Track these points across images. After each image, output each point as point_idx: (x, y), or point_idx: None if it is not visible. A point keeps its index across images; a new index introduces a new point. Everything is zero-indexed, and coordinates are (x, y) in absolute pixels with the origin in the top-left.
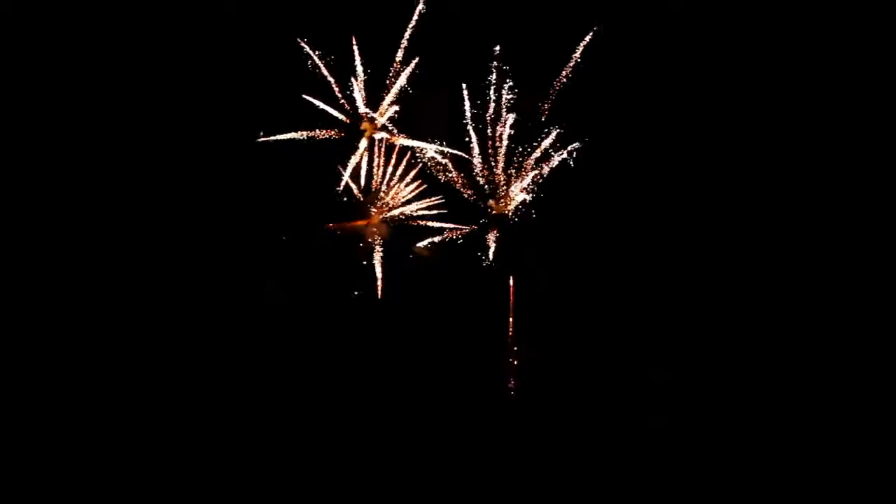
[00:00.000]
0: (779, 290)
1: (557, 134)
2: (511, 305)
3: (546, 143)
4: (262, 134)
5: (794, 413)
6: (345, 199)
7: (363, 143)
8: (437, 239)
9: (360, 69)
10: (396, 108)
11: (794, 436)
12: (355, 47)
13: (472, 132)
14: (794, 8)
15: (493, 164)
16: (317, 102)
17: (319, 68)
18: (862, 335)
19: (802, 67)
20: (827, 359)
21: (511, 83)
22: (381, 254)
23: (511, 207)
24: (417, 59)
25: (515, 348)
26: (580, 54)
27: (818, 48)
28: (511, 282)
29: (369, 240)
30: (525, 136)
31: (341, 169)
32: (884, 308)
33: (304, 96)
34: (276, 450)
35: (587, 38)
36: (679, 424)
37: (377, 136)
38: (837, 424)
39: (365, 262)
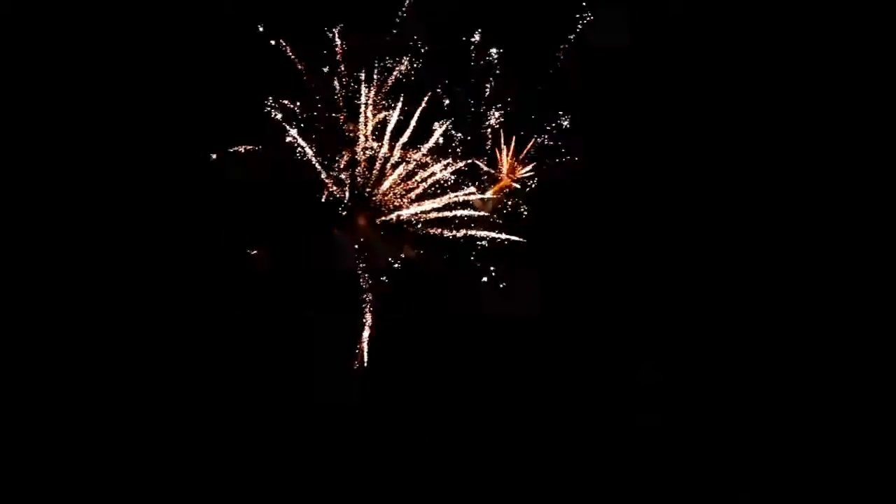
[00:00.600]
0: (771, 290)
1: (550, 134)
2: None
3: (538, 143)
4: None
5: (786, 414)
6: (333, 204)
7: (355, 148)
8: (424, 244)
9: (343, 69)
10: (385, 114)
11: (787, 437)
12: (338, 44)
13: (457, 133)
14: (794, 8)
15: (482, 165)
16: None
17: (302, 73)
18: (855, 335)
19: (803, 69)
20: (820, 359)
21: (498, 79)
22: (369, 258)
23: (498, 206)
24: (407, 59)
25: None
26: (578, 52)
27: (819, 49)
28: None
29: (360, 243)
30: (519, 136)
31: (326, 174)
32: (879, 310)
33: (287, 102)
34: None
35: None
36: (669, 425)
37: (365, 145)
38: (830, 424)
39: (357, 267)
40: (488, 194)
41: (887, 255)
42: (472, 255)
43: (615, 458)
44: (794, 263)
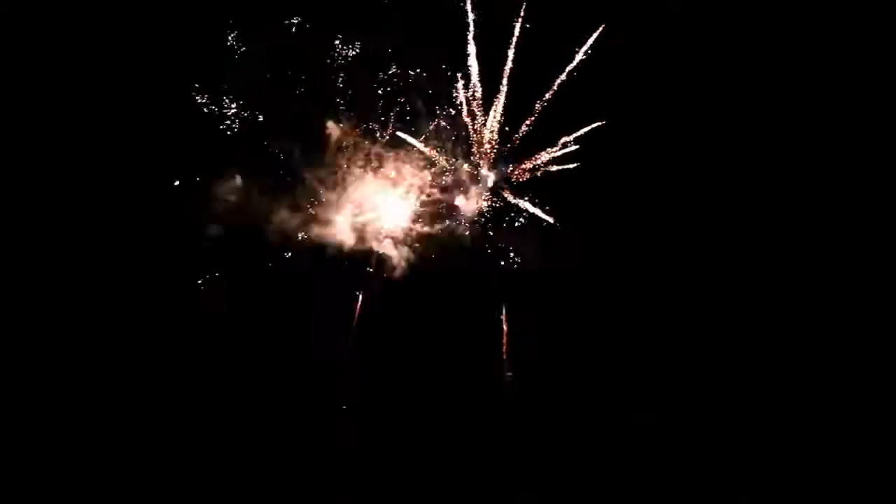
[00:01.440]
0: (771, 289)
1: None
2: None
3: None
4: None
5: (785, 415)
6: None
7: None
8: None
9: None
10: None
11: (787, 437)
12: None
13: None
14: (794, 8)
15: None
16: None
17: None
18: (856, 335)
19: (804, 68)
20: (820, 359)
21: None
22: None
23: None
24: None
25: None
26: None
27: (819, 48)
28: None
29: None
30: (513, 136)
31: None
32: (876, 312)
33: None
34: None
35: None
36: (667, 423)
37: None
38: (830, 424)
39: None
40: (468, 198)
41: (887, 261)
42: (466, 256)
43: (613, 456)
44: (793, 264)
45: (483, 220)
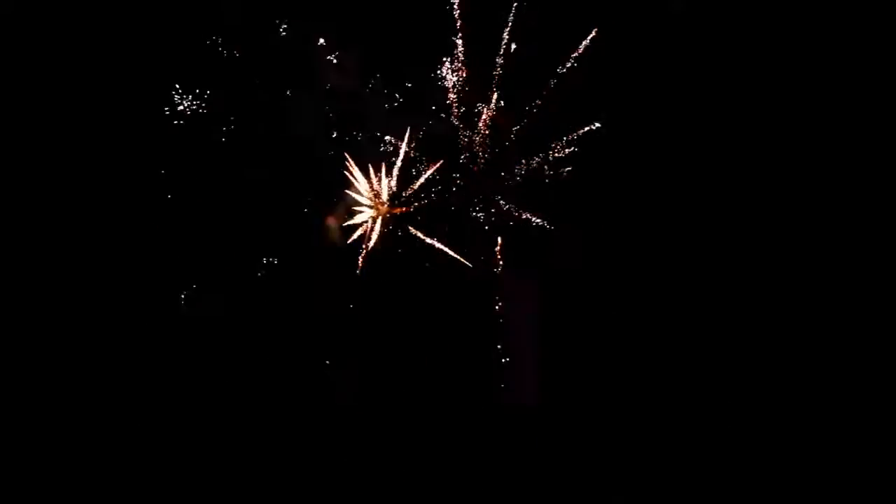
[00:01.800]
0: (773, 291)
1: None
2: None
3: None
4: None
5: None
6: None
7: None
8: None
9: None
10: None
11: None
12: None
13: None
14: (794, 8)
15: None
16: None
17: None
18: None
19: (805, 69)
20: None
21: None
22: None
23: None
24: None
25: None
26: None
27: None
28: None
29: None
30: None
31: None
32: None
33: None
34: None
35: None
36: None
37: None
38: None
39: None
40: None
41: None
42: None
43: (613, 454)
44: (792, 264)
45: (476, 223)
